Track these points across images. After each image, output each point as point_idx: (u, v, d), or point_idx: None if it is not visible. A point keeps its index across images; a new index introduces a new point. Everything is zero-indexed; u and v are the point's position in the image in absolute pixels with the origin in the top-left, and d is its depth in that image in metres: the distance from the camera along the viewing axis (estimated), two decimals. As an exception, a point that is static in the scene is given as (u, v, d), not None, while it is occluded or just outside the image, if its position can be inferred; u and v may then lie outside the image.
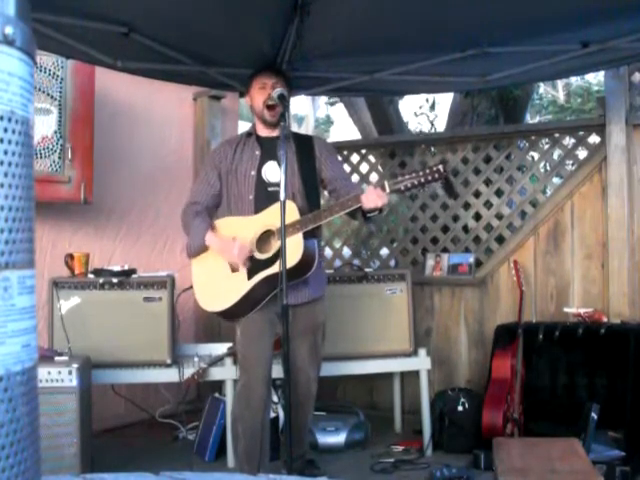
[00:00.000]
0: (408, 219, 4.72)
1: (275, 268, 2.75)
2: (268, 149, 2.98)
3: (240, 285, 2.86)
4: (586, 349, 3.55)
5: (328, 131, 14.76)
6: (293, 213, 2.72)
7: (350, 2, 2.81)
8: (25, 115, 0.80)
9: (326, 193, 3.23)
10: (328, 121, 14.81)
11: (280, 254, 2.57)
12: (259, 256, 2.84)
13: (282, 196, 2.55)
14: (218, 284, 2.92)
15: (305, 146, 3.02)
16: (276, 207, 2.77)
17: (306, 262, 2.79)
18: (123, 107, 4.30)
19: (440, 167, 2.69)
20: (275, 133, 3.00)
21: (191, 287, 3.06)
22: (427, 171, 2.69)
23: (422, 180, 2.69)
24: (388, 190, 2.71)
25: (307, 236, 2.78)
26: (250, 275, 2.85)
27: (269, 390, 2.98)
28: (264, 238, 2.86)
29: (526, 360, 3.64)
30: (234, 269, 2.88)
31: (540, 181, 4.26)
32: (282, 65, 3.43)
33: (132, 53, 3.27)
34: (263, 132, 3.02)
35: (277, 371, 3.14)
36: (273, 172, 2.95)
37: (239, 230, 2.89)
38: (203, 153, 4.61)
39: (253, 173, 2.95)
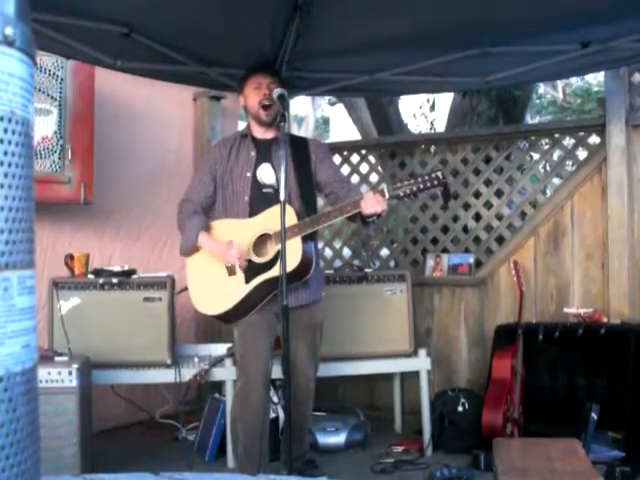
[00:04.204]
0: (408, 220, 4.72)
1: (273, 272, 2.75)
2: (263, 151, 2.98)
3: (238, 288, 2.85)
4: (586, 349, 3.55)
5: (328, 131, 14.75)
6: (291, 217, 2.72)
7: (350, 2, 2.81)
8: (25, 115, 0.80)
9: (323, 196, 3.23)
10: (326, 122, 14.81)
11: (278, 257, 2.58)
12: (257, 260, 2.83)
13: (282, 196, 2.55)
14: (215, 287, 2.92)
15: (300, 149, 3.02)
16: (272, 210, 2.78)
17: (305, 265, 2.79)
18: (123, 107, 4.30)
19: (439, 174, 2.68)
20: (270, 135, 3.01)
21: (186, 289, 3.06)
22: (426, 177, 2.68)
23: (421, 187, 2.68)
24: (387, 196, 2.71)
25: (305, 239, 2.78)
26: (248, 279, 2.85)
27: (268, 391, 2.98)
28: (260, 242, 2.85)
29: (526, 360, 3.64)
30: (231, 272, 2.88)
31: (540, 181, 4.26)
32: (282, 65, 3.43)
33: (132, 53, 3.27)
34: (258, 133, 3.02)
35: (277, 372, 3.14)
36: (268, 174, 2.96)
37: (235, 233, 2.88)
38: (203, 153, 4.60)
39: (249, 174, 2.95)
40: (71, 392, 2.91)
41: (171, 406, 4.00)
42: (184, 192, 3.10)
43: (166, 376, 3.48)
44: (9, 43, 0.76)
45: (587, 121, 4.49)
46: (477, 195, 4.39)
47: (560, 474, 2.20)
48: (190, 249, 2.96)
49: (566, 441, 2.53)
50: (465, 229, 4.46)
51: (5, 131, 0.76)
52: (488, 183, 4.34)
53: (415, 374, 3.77)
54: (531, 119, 9.05)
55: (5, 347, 0.75)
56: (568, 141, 4.23)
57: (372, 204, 2.70)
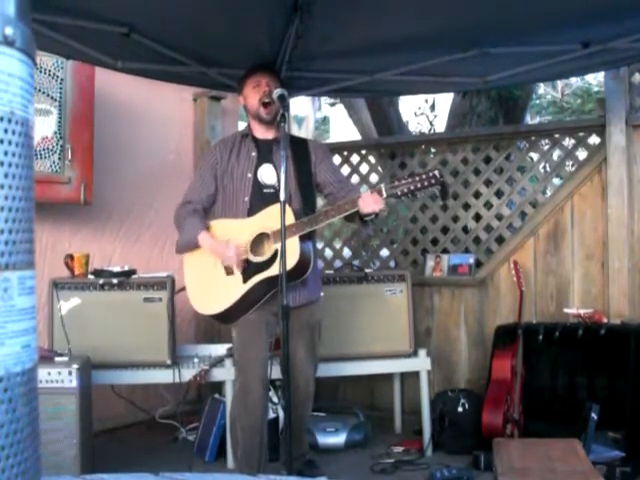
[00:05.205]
0: (408, 220, 4.72)
1: (271, 271, 2.75)
2: (264, 151, 2.99)
3: (235, 288, 2.85)
4: (586, 349, 3.55)
5: (328, 132, 14.76)
6: (289, 216, 2.71)
7: (350, 3, 2.81)
8: (25, 116, 0.80)
9: (323, 197, 3.23)
10: (326, 122, 14.82)
11: (276, 257, 2.58)
12: (254, 259, 2.83)
13: (282, 196, 2.55)
14: (212, 287, 2.92)
15: (300, 149, 3.02)
16: (270, 210, 2.78)
17: (302, 265, 2.79)
18: (123, 107, 4.30)
19: (436, 172, 2.69)
20: (270, 135, 3.01)
21: (184, 288, 3.06)
22: (424, 176, 2.69)
23: (419, 186, 2.69)
24: (385, 195, 2.71)
25: (303, 238, 2.79)
26: (245, 278, 2.85)
27: (267, 391, 2.98)
28: (258, 241, 2.86)
29: (526, 360, 3.63)
30: (229, 272, 2.88)
31: (540, 182, 4.25)
32: (282, 65, 3.44)
33: (132, 53, 3.27)
34: (258, 133, 3.02)
35: (276, 372, 3.14)
36: (268, 174, 2.96)
37: (233, 233, 2.89)
38: (203, 154, 4.60)
39: (250, 175, 2.95)
40: (71, 392, 2.91)
41: (171, 406, 4.00)
42: (183, 195, 3.10)
43: (166, 376, 3.48)
44: (9, 43, 0.76)
45: (587, 121, 4.49)
46: (477, 195, 4.39)
47: (560, 474, 2.20)
48: (188, 246, 2.95)
49: (566, 441, 2.53)
50: (465, 229, 4.46)
51: (5, 131, 0.76)
52: (488, 183, 4.34)
53: (415, 374, 3.77)
54: (531, 119, 9.05)
55: (5, 347, 0.75)
56: (568, 141, 4.23)
57: (369, 203, 2.71)
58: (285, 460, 2.69)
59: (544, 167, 4.46)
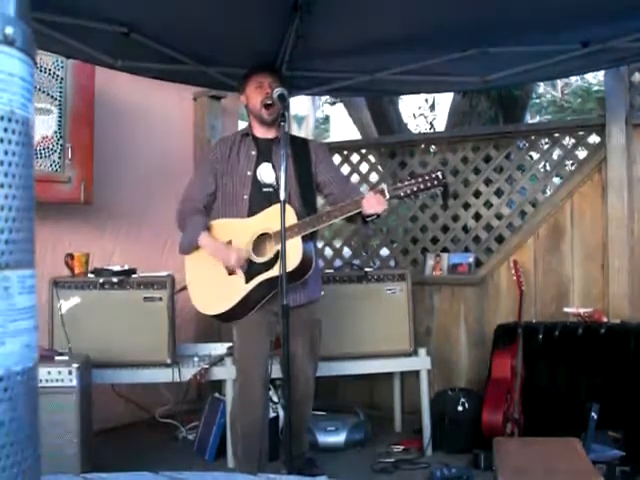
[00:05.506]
0: (408, 219, 4.72)
1: (273, 271, 2.75)
2: (264, 150, 2.99)
3: (238, 288, 2.86)
4: (586, 349, 3.55)
5: (328, 131, 14.75)
6: (291, 216, 2.72)
7: (350, 2, 2.81)
8: (25, 115, 0.80)
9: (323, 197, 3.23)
10: (326, 121, 14.80)
11: (278, 257, 2.58)
12: (256, 259, 2.83)
13: (282, 195, 2.55)
14: (215, 287, 2.92)
15: (301, 149, 3.02)
16: (272, 210, 2.78)
17: (305, 265, 2.79)
18: (123, 107, 4.30)
19: (439, 174, 2.70)
20: (271, 134, 3.01)
21: (185, 288, 3.06)
22: (426, 177, 2.70)
23: (421, 187, 2.70)
24: (388, 196, 2.72)
25: (304, 239, 2.79)
26: (248, 278, 2.85)
27: (267, 390, 2.98)
28: (260, 241, 2.86)
29: (526, 360, 3.63)
30: (231, 272, 2.88)
31: (540, 181, 4.26)
32: (282, 65, 3.44)
33: (132, 53, 3.27)
34: (259, 132, 3.02)
35: (277, 371, 3.14)
36: (268, 174, 2.96)
37: (235, 233, 2.89)
38: (203, 153, 4.60)
39: (249, 173, 2.96)
40: (71, 391, 2.91)
41: (171, 405, 4.01)
42: (183, 192, 3.10)
43: (166, 375, 3.48)
44: (9, 43, 0.76)
45: (587, 120, 4.48)
46: (477, 194, 4.39)
47: (560, 473, 2.20)
48: (190, 247, 2.96)
49: (566, 440, 2.53)
50: (465, 228, 4.46)
51: (5, 131, 0.76)
52: (488, 182, 4.35)
53: (415, 373, 3.77)
54: (531, 119, 9.04)
55: (6, 346, 0.75)
56: (568, 140, 4.23)
57: (373, 204, 2.71)
58: (285, 459, 2.70)
59: (544, 166, 4.46)
